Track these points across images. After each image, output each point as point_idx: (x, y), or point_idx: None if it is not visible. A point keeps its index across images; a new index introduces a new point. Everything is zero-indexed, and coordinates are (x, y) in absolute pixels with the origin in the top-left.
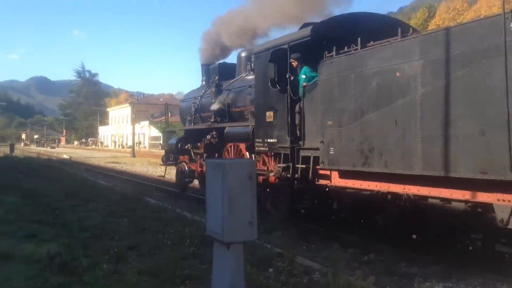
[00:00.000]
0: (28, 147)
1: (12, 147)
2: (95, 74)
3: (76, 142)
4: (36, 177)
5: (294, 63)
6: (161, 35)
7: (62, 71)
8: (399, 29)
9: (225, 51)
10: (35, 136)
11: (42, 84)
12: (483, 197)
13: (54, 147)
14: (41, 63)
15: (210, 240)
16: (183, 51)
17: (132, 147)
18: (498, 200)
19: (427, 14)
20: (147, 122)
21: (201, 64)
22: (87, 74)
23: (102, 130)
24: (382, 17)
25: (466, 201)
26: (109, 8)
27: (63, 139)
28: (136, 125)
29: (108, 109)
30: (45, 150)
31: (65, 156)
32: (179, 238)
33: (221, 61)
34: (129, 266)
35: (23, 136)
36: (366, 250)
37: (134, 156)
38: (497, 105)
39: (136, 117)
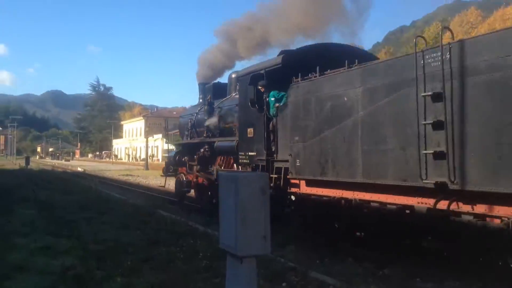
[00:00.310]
0: (43, 159)
1: (27, 160)
2: (110, 88)
3: (90, 155)
4: (51, 190)
5: (262, 89)
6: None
7: (77, 85)
8: (346, 61)
9: (220, 72)
10: (50, 149)
11: (57, 97)
12: (408, 200)
13: (68, 160)
14: (56, 77)
15: (223, 253)
16: (196, 65)
17: (146, 160)
18: (418, 203)
19: (440, 27)
20: (160, 135)
21: (198, 83)
22: (102, 88)
23: (116, 143)
24: (346, 46)
25: (396, 204)
26: (123, 23)
27: (77, 152)
28: (150, 138)
29: (122, 122)
30: (60, 163)
31: (79, 169)
32: (192, 252)
33: (216, 80)
34: (143, 279)
35: (39, 149)
36: (381, 265)
37: (147, 169)
38: (412, 126)
39: (150, 130)
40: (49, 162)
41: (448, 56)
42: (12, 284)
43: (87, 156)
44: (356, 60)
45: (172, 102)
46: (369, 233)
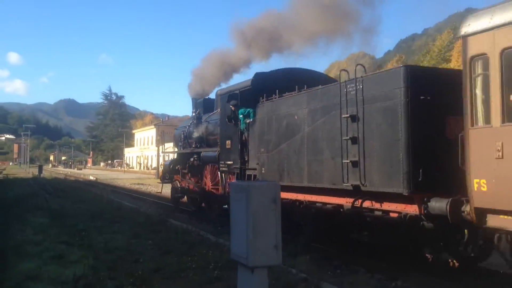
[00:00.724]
0: (56, 168)
1: (40, 169)
2: (121, 97)
3: (102, 164)
4: (63, 198)
5: (233, 108)
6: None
7: (89, 94)
8: (296, 86)
9: (209, 89)
10: (63, 158)
11: (70, 106)
12: (341, 200)
13: (81, 169)
14: (69, 86)
15: (234, 263)
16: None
17: (157, 168)
18: (346, 202)
19: (452, 35)
20: (171, 144)
21: (191, 98)
22: (114, 97)
23: (128, 152)
24: (308, 71)
25: (332, 204)
26: (135, 32)
27: (90, 160)
28: (161, 147)
29: (133, 131)
30: (72, 172)
31: (91, 178)
32: (203, 261)
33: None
34: None
35: (51, 158)
36: (393, 277)
37: (158, 177)
38: (337, 140)
39: (161, 139)
40: (62, 171)
41: (360, 86)
42: None
43: (99, 164)
44: (305, 86)
45: (183, 111)
46: (319, 228)
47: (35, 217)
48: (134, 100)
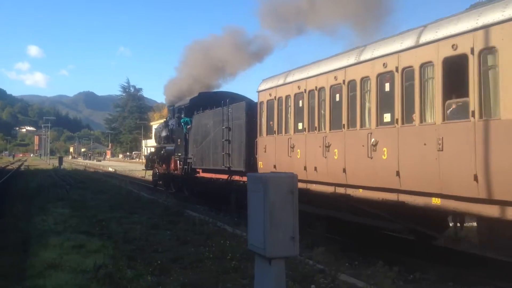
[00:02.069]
0: (76, 159)
1: (60, 160)
2: (140, 89)
3: (121, 155)
4: (83, 189)
5: (177, 118)
6: None
7: (108, 86)
8: (214, 106)
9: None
10: (82, 149)
11: (89, 98)
12: (224, 176)
13: (100, 160)
14: (88, 79)
15: (251, 254)
16: None
17: None
18: (228, 176)
19: None
20: None
21: (167, 105)
22: (132, 89)
23: (146, 144)
24: (226, 93)
25: (223, 179)
26: (152, 25)
27: (108, 152)
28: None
29: (151, 123)
30: (92, 163)
31: (110, 169)
32: (221, 252)
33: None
34: (172, 278)
35: (71, 149)
36: (412, 268)
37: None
38: (221, 141)
39: None
40: (81, 162)
41: (231, 110)
42: (46, 282)
43: (118, 156)
44: (222, 102)
45: None
46: (217, 193)
47: (56, 208)
48: (152, 92)
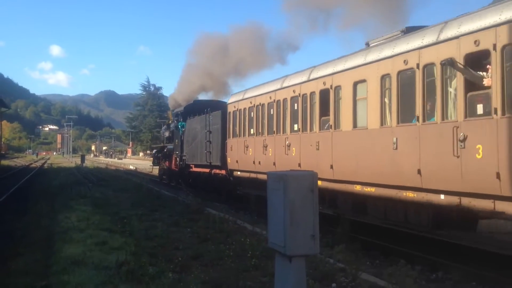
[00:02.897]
0: (97, 158)
1: (83, 158)
2: (159, 88)
3: (141, 154)
4: (105, 187)
5: (176, 121)
6: None
7: (128, 85)
8: (203, 112)
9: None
10: (104, 148)
11: (110, 97)
12: (208, 170)
13: (121, 158)
14: (109, 78)
15: (271, 252)
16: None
17: None
18: (208, 170)
19: None
20: None
21: (171, 110)
22: (152, 88)
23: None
24: (216, 102)
25: (207, 172)
26: (172, 23)
27: (129, 150)
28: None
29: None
30: (113, 161)
31: (131, 167)
32: (241, 250)
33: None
34: (193, 275)
35: (93, 148)
36: (434, 268)
37: None
38: (204, 142)
39: None
40: (103, 160)
41: (211, 117)
42: (70, 278)
43: (139, 154)
44: (205, 110)
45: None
46: (204, 183)
47: (79, 205)
48: (171, 91)
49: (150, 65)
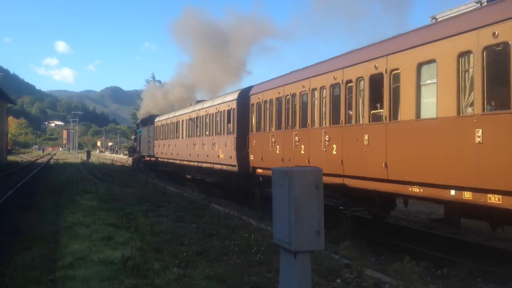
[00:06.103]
0: (103, 153)
1: (88, 154)
2: (164, 84)
3: None
4: (110, 183)
5: (137, 128)
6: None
7: (133, 81)
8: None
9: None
10: (109, 144)
11: (115, 93)
12: (146, 158)
13: (127, 154)
14: (115, 74)
15: (276, 248)
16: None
17: None
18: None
19: None
20: None
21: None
22: (157, 84)
23: None
24: (154, 116)
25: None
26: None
27: None
28: None
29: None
30: (119, 157)
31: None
32: (246, 245)
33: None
34: (198, 271)
35: (98, 143)
36: (439, 264)
37: None
38: (143, 144)
39: None
40: (109, 156)
41: (150, 127)
42: (76, 273)
43: None
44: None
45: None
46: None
47: (85, 201)
48: None
49: (155, 61)
